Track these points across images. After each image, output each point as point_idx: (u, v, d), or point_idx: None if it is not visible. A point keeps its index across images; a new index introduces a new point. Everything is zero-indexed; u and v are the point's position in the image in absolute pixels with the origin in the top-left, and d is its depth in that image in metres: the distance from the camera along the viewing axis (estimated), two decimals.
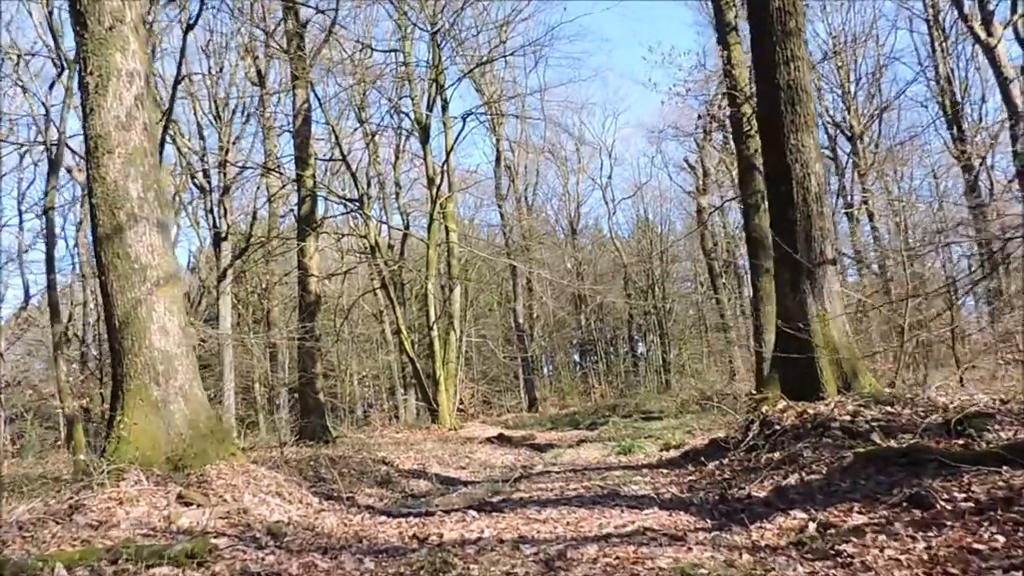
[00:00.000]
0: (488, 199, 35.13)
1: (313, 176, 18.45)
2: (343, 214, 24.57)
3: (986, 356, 12.31)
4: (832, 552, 3.82)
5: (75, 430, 14.67)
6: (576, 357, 41.39)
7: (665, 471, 8.25)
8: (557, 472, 9.69)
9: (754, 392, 10.48)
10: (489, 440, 15.20)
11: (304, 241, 17.66)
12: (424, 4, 20.16)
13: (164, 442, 6.82)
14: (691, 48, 44.76)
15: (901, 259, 13.17)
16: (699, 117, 18.63)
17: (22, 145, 21.63)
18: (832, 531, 4.19)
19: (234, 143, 22.81)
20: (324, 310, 24.91)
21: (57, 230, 21.93)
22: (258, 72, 21.74)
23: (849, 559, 3.67)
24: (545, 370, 39.97)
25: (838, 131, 27.30)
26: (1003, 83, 20.41)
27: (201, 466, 6.71)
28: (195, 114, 22.85)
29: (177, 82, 12.68)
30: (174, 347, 7.22)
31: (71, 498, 5.91)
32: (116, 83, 7.59)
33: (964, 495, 4.07)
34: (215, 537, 5.06)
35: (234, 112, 22.71)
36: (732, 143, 24.71)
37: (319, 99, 19.82)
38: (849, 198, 27.16)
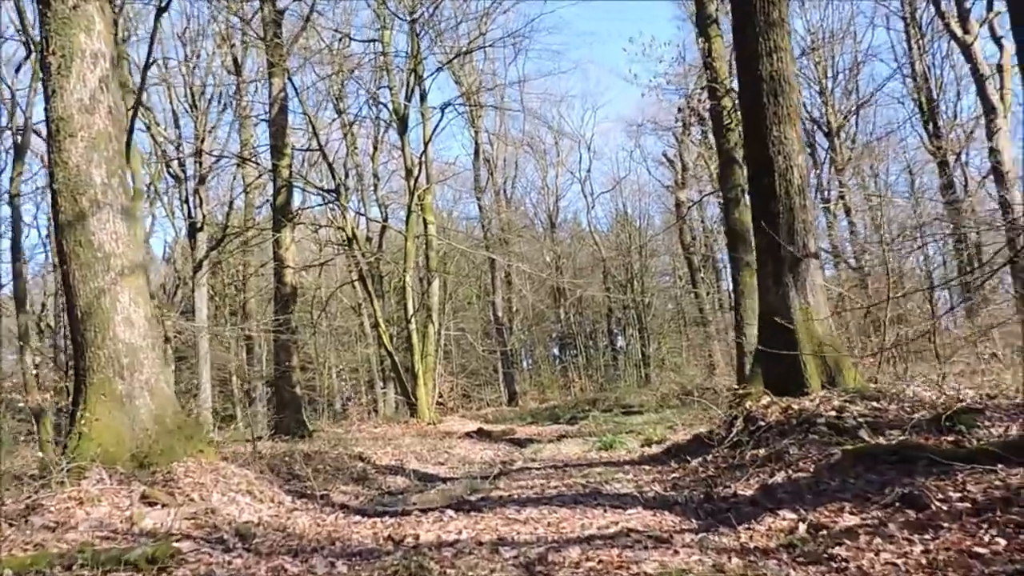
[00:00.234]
0: (467, 192, 34.94)
1: (290, 166, 18.10)
2: (320, 205, 24.24)
3: (965, 351, 12.32)
4: (825, 556, 3.67)
5: (41, 425, 14.24)
6: (556, 351, 41.34)
7: (647, 468, 8.10)
8: (537, 468, 9.52)
9: (736, 387, 10.38)
10: (468, 435, 15.01)
11: (280, 232, 17.32)
12: None
13: (128, 438, 6.55)
14: (672, 39, 44.65)
15: (882, 253, 13.15)
16: (679, 110, 18.53)
17: None
18: (824, 533, 4.05)
19: (210, 132, 22.40)
20: (301, 302, 24.58)
21: (29, 218, 21.38)
22: (235, 60, 21.33)
23: (844, 563, 3.51)
24: (525, 364, 39.87)
25: (816, 127, 27.38)
26: (979, 80, 20.54)
27: (168, 464, 6.45)
28: (171, 102, 22.44)
29: (147, 66, 12.29)
30: (139, 339, 6.94)
31: (29, 498, 5.64)
32: (80, 64, 7.28)
33: (959, 495, 3.93)
34: (180, 540, 4.81)
35: (210, 101, 22.32)
36: (711, 137, 24.70)
37: (296, 88, 19.47)
38: (826, 193, 27.25)
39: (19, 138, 16.02)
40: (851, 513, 4.25)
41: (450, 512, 5.98)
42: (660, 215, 38.95)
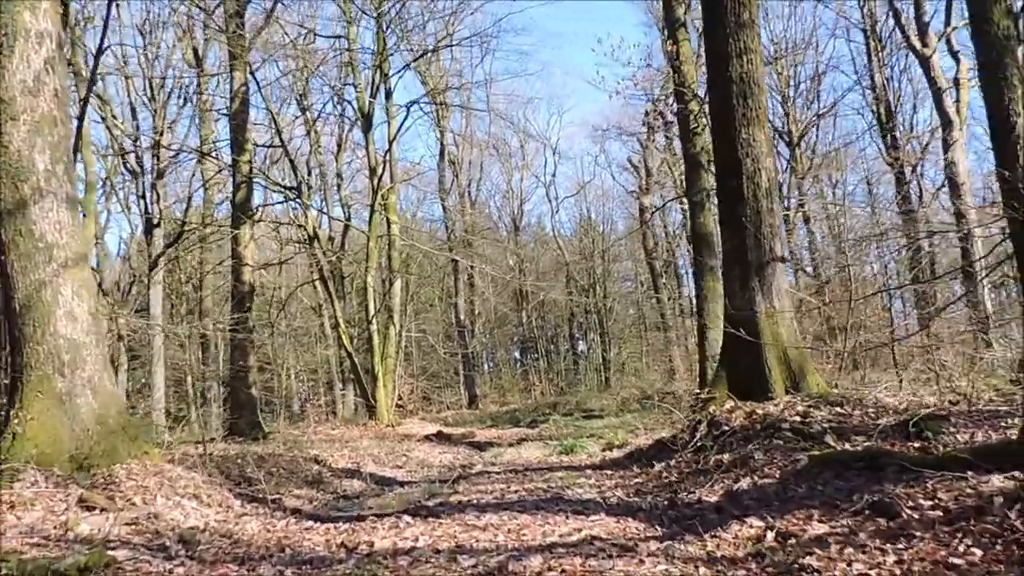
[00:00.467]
0: (431, 193, 34.60)
1: (250, 162, 17.64)
2: (281, 203, 23.76)
3: (918, 359, 12.50)
4: (796, 566, 3.54)
5: None
6: (517, 354, 41.24)
7: (610, 472, 7.96)
8: (497, 473, 9.31)
9: (698, 391, 10.32)
10: (427, 438, 14.75)
11: (239, 229, 16.86)
12: None
13: (68, 439, 6.19)
14: (640, 42, 44.89)
15: (845, 259, 13.29)
16: (646, 113, 18.54)
17: None
18: (793, 541, 3.93)
19: (169, 127, 21.83)
20: (260, 302, 24.06)
21: None
22: (195, 53, 20.80)
23: (815, 574, 3.39)
24: (486, 367, 39.67)
25: (777, 136, 27.70)
26: (936, 93, 20.99)
27: (109, 465, 6.11)
28: (128, 95, 21.84)
29: (100, 52, 11.79)
30: (82, 335, 6.58)
31: None
32: (24, 44, 6.91)
33: (931, 503, 3.84)
34: (117, 547, 4.52)
35: (170, 94, 21.77)
36: (676, 143, 24.84)
37: (258, 83, 18.98)
38: (787, 202, 27.60)
39: None
40: (820, 521, 4.14)
41: (407, 518, 5.76)
42: (623, 220, 39.16)
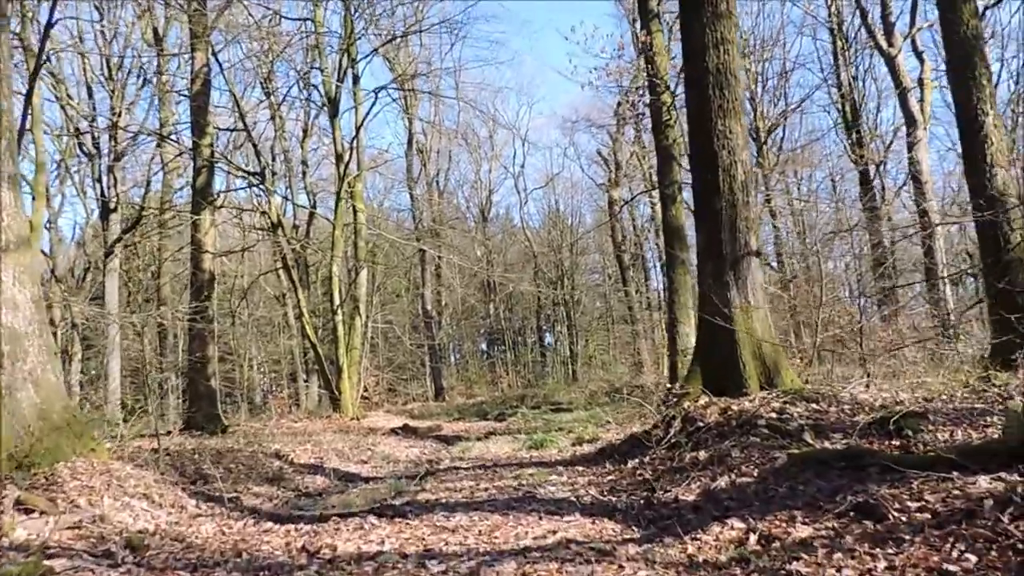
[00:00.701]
0: (399, 182, 34.12)
1: (211, 145, 17.07)
2: (244, 188, 23.15)
3: (883, 355, 12.56)
4: (783, 572, 3.37)
5: None
6: (484, 346, 40.97)
7: (582, 469, 7.77)
8: (466, 468, 9.09)
9: (670, 385, 10.19)
10: (393, 431, 14.46)
11: (199, 215, 16.31)
12: None
13: (6, 436, 5.79)
14: (612, 32, 44.67)
15: (816, 256, 13.28)
16: (618, 104, 18.38)
17: None
18: (777, 544, 3.76)
19: (128, 108, 21.12)
20: (222, 290, 23.50)
21: None
22: (155, 32, 20.10)
23: None
24: (452, 358, 39.39)
25: None
26: (901, 92, 21.17)
27: (52, 464, 5.74)
28: (84, 74, 21.03)
29: (50, 25, 11.21)
30: (24, 324, 6.18)
31: None
32: None
33: (917, 504, 3.70)
34: (56, 555, 4.19)
35: (128, 74, 21.05)
36: (645, 136, 24.75)
37: (221, 65, 18.41)
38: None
39: None
40: (804, 523, 3.98)
41: (372, 518, 5.50)
42: (592, 213, 39.08)
